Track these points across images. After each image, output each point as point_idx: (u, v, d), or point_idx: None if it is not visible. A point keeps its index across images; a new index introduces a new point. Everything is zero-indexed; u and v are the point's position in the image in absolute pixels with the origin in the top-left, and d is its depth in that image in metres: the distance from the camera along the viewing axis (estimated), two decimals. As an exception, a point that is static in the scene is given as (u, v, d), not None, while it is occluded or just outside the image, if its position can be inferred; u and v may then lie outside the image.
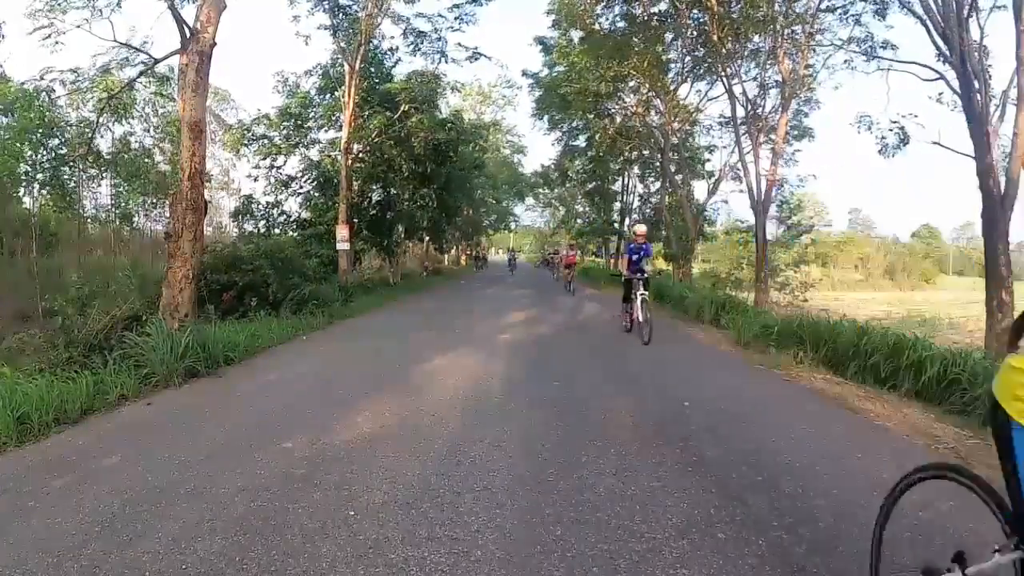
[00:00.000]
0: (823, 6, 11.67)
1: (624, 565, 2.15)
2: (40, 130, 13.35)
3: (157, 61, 9.59)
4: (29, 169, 14.08)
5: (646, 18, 14.53)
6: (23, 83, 12.86)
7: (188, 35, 7.66)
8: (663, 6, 14.43)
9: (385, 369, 5.69)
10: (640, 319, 7.47)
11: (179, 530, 2.38)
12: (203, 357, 5.37)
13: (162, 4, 7.87)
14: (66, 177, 15.18)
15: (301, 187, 16.45)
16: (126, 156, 16.32)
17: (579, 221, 31.64)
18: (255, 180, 16.26)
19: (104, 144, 16.04)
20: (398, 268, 19.15)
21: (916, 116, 10.49)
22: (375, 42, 15.05)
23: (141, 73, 11.44)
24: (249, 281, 8.58)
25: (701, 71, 16.11)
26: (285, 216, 16.25)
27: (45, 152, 14.32)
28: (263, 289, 8.57)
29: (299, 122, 16.07)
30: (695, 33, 14.02)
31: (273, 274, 8.86)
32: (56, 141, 14.46)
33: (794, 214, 17.47)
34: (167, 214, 9.25)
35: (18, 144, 13.06)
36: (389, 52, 16.11)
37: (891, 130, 10.86)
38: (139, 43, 10.20)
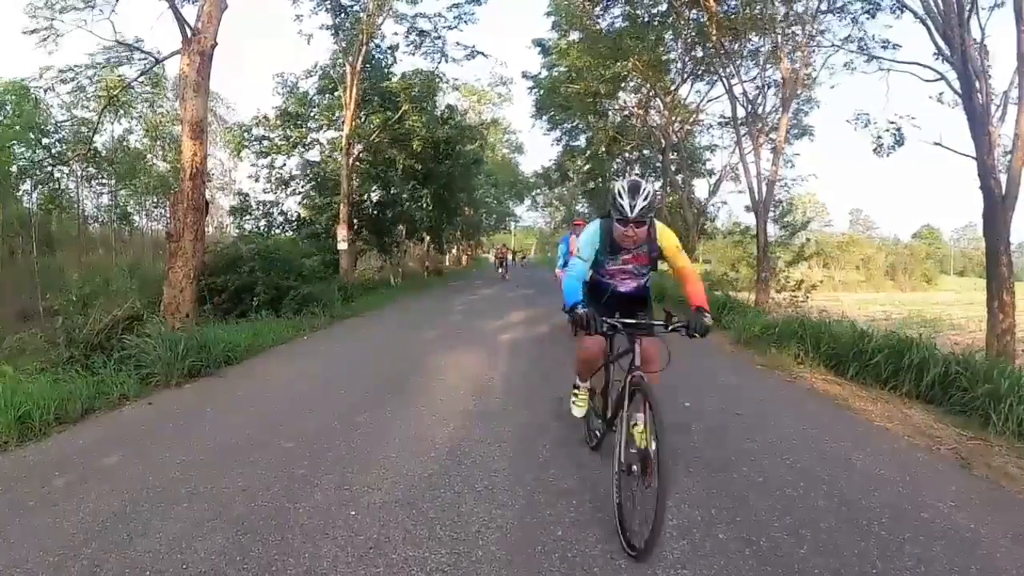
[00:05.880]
0: (823, 7, 11.65)
1: (624, 565, 2.15)
2: (34, 130, 13.35)
3: (159, 61, 9.61)
4: (22, 168, 14.06)
5: (647, 19, 14.50)
6: (24, 80, 12.88)
7: (189, 35, 7.66)
8: (663, 7, 14.42)
9: (386, 369, 5.69)
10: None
11: (180, 530, 2.38)
12: (204, 357, 5.36)
13: (163, 4, 7.88)
14: (60, 177, 15.19)
15: (301, 187, 16.44)
16: (119, 155, 16.30)
17: (579, 221, 31.53)
18: (256, 180, 16.25)
19: (101, 144, 16.04)
20: (399, 268, 19.15)
21: (914, 118, 10.43)
22: (376, 42, 15.05)
23: (142, 73, 11.46)
24: (245, 281, 8.57)
25: (701, 71, 16.09)
26: (284, 216, 16.23)
27: (40, 151, 14.31)
28: (258, 289, 8.57)
29: (298, 122, 16.05)
30: (694, 33, 14.00)
31: (263, 275, 8.84)
32: (50, 140, 14.45)
33: (787, 215, 17.74)
34: (168, 214, 9.26)
35: (12, 143, 13.06)
36: (389, 51, 16.12)
37: (887, 130, 10.84)
38: (132, 41, 10.19)
